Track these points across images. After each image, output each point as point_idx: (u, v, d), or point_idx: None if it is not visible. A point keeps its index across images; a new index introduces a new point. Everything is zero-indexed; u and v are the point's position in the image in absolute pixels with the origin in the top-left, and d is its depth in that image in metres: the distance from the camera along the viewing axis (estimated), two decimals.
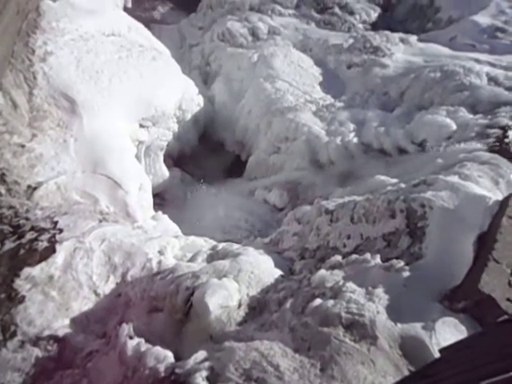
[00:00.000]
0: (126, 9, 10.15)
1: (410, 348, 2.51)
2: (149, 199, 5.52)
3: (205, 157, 8.10)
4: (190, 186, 7.36)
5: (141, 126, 6.35)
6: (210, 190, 7.30)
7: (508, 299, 2.63)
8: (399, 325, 2.65)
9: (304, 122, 7.06)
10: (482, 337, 1.30)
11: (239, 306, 3.39)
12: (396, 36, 9.31)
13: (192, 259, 4.32)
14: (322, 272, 3.40)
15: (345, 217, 4.27)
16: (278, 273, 3.95)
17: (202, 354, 2.72)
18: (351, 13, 11.25)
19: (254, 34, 9.93)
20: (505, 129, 5.53)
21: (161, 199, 6.88)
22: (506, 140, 5.28)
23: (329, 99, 7.82)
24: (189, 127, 7.56)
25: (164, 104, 6.54)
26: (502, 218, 3.17)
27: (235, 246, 4.56)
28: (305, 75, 8.42)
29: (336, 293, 3.07)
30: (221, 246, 4.64)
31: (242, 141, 8.23)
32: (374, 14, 11.24)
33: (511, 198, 3.43)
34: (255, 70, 8.49)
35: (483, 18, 9.62)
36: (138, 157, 6.23)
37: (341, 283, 3.17)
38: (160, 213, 5.66)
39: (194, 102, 7.53)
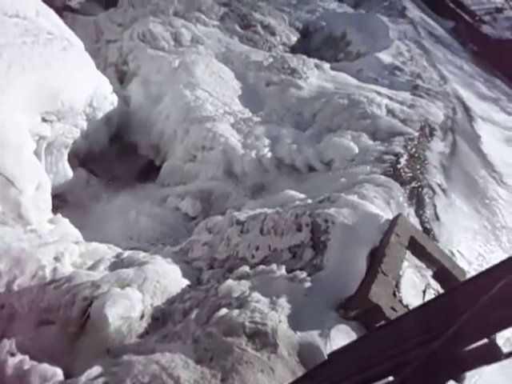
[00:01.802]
0: None
1: (306, 354, 2.65)
2: (47, 200, 5.03)
3: (115, 159, 7.68)
4: (96, 189, 6.90)
5: (43, 119, 5.79)
6: (118, 193, 6.92)
7: (392, 308, 2.94)
8: (298, 333, 2.79)
9: (221, 132, 7.13)
10: (364, 340, 1.44)
11: (142, 316, 3.25)
12: (312, 61, 9.96)
13: (93, 267, 4.04)
14: (230, 282, 3.43)
15: (255, 228, 4.38)
16: (185, 283, 3.88)
17: (96, 370, 2.54)
18: (273, 33, 11.78)
19: (176, 39, 9.81)
20: (398, 156, 6.24)
21: (62, 201, 6.31)
22: (398, 166, 5.96)
23: (247, 113, 8.03)
24: (99, 126, 7.10)
25: (72, 98, 6.07)
26: (391, 235, 3.55)
27: (142, 254, 4.37)
28: (225, 87, 8.54)
29: (242, 303, 3.13)
30: (126, 253, 4.42)
31: (157, 145, 7.99)
32: (294, 38, 11.94)
33: (399, 218, 3.87)
34: (175, 75, 8.36)
35: (385, 56, 10.82)
36: (37, 153, 5.65)
37: (247, 293, 3.24)
38: (59, 216, 5.19)
39: (107, 100, 7.12)
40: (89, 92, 6.64)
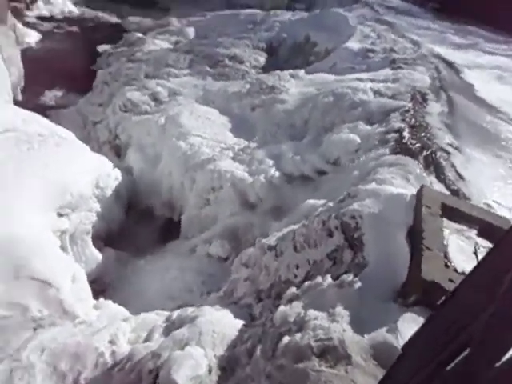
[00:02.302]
0: (17, 102, 9.81)
1: (382, 355, 2.56)
2: (86, 289, 5.12)
3: (135, 228, 7.82)
4: (128, 263, 7.00)
5: (59, 214, 5.98)
6: (148, 260, 6.99)
7: (450, 280, 2.84)
8: (366, 336, 2.71)
9: (225, 169, 7.22)
10: (432, 320, 1.39)
11: (209, 371, 3.20)
12: (286, 73, 10.15)
13: (148, 338, 4.03)
14: (282, 308, 3.38)
15: (288, 248, 4.35)
16: (239, 323, 3.84)
17: None
18: (241, 62, 12.10)
19: (155, 99, 10.15)
20: (400, 131, 6.19)
21: (100, 284, 6.41)
22: (404, 140, 5.90)
23: (242, 142, 8.15)
24: (112, 203, 7.29)
25: (79, 187, 6.28)
26: (421, 208, 3.48)
27: (190, 310, 4.36)
28: (214, 126, 8.73)
29: (300, 325, 3.06)
30: (175, 314, 4.41)
31: (169, 202, 8.13)
32: (262, 58, 12.24)
33: (424, 189, 3.80)
34: (165, 131, 8.60)
35: (353, 44, 10.96)
36: (63, 247, 5.81)
37: (302, 314, 3.17)
38: (102, 299, 5.26)
39: (111, 177, 7.34)
40: (92, 175, 6.87)
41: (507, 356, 0.63)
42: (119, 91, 10.75)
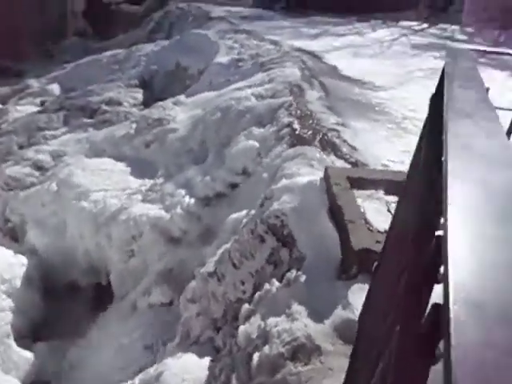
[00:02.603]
0: None
1: (345, 333, 2.67)
2: None
3: (62, 308, 7.06)
4: (66, 349, 6.29)
5: None
6: (89, 336, 6.37)
7: (377, 241, 3.07)
8: (326, 321, 2.80)
9: (139, 214, 6.92)
10: (374, 282, 1.49)
11: None
12: (168, 103, 10.12)
13: None
14: (242, 329, 3.34)
15: (227, 268, 4.31)
16: (206, 361, 3.70)
17: None
18: (119, 104, 11.74)
19: (39, 167, 9.34)
20: (290, 125, 6.56)
21: None
22: (297, 132, 6.26)
23: (148, 182, 7.90)
24: (25, 293, 6.50)
25: None
26: (332, 187, 3.73)
27: (152, 370, 4.09)
28: (113, 175, 8.32)
29: (265, 337, 3.05)
30: (137, 380, 4.10)
31: (91, 267, 7.52)
32: (138, 95, 12.02)
33: (328, 169, 4.08)
34: (61, 197, 7.96)
35: (222, 58, 11.36)
36: None
37: (263, 325, 3.17)
38: None
39: (15, 265, 6.56)
40: None
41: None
42: None
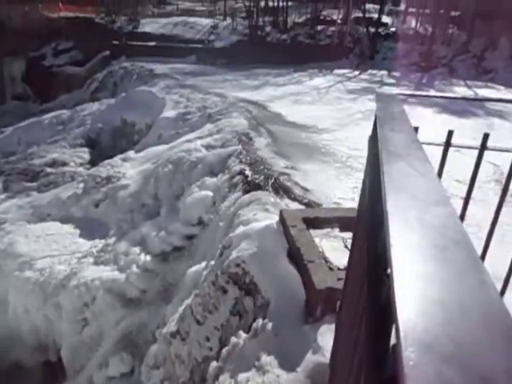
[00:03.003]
0: None
1: (319, 378, 2.57)
2: None
3: None
4: None
5: None
6: None
7: (338, 279, 3.08)
8: (298, 368, 2.69)
9: (91, 278, 6.49)
10: (337, 329, 1.46)
11: None
12: (116, 159, 9.96)
13: None
14: None
15: (191, 325, 4.09)
16: None
17: None
18: (64, 164, 11.39)
19: None
20: (242, 172, 6.65)
21: None
22: (249, 178, 6.35)
23: (99, 242, 7.52)
24: None
25: None
26: (289, 230, 3.75)
27: None
28: (60, 239, 7.85)
29: None
30: None
31: (38, 344, 6.81)
32: (85, 154, 11.76)
33: (283, 212, 4.11)
34: (2, 268, 7.32)
35: (169, 113, 11.54)
36: None
37: (233, 382, 2.98)
38: None
39: None
40: None
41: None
42: None
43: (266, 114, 10.47)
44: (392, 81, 17.22)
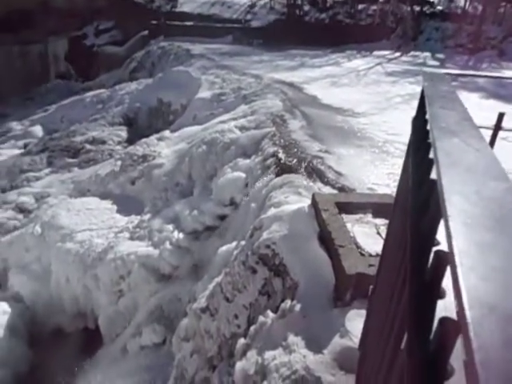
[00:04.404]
0: None
1: (346, 362, 2.58)
2: None
3: (50, 357, 6.72)
4: None
5: None
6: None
7: (369, 265, 3.05)
8: (325, 351, 2.71)
9: (127, 252, 6.77)
10: (371, 306, 1.46)
11: None
12: (152, 138, 10.18)
13: None
14: (239, 365, 3.21)
15: (220, 303, 4.20)
16: None
17: None
18: (103, 142, 11.78)
19: (22, 210, 9.16)
20: (275, 155, 6.63)
21: None
22: (282, 161, 6.33)
23: (135, 219, 7.80)
24: (9, 342, 6.20)
25: None
26: (321, 214, 3.72)
27: None
28: (99, 214, 8.20)
29: (263, 372, 2.94)
30: None
31: (78, 312, 7.24)
32: (123, 133, 12.10)
33: (316, 196, 4.09)
34: (45, 240, 7.77)
35: (205, 93, 11.60)
36: None
37: (260, 360, 3.05)
38: None
39: None
40: None
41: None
42: None
43: (301, 96, 10.30)
44: (436, 63, 16.40)
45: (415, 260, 0.80)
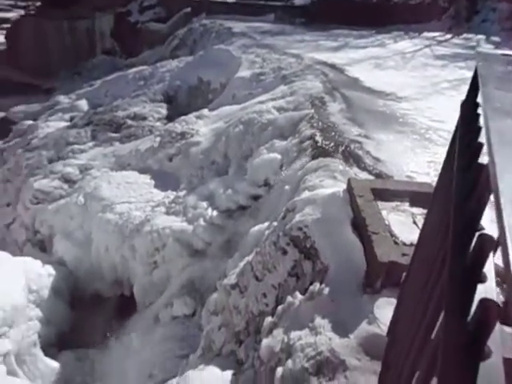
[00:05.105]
0: None
1: (372, 348, 2.59)
2: None
3: (88, 319, 7.19)
4: (91, 358, 6.37)
5: None
6: (113, 346, 6.44)
7: (403, 254, 3.00)
8: (351, 335, 2.73)
9: (162, 226, 7.02)
10: (402, 295, 1.45)
11: None
12: (191, 116, 10.31)
13: None
14: (265, 342, 3.29)
15: (250, 281, 4.29)
16: (228, 374, 3.67)
17: None
18: (144, 118, 12.07)
19: (67, 180, 9.65)
20: (312, 137, 6.55)
21: None
22: (318, 144, 6.25)
23: (171, 194, 8.03)
24: (52, 303, 6.66)
25: (10, 299, 5.65)
26: (355, 199, 3.68)
27: (174, 382, 4.08)
28: (137, 187, 8.50)
29: (288, 351, 3.00)
30: None
31: (115, 279, 7.64)
32: (163, 110, 12.32)
33: (352, 181, 4.03)
34: (88, 209, 8.17)
35: (244, 72, 11.53)
36: (11, 371, 5.12)
37: (286, 339, 3.12)
38: None
39: (43, 275, 6.74)
40: (22, 281, 6.24)
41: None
42: (25, 184, 10.05)
43: (342, 78, 10.02)
44: (490, 47, 15.34)
45: (457, 243, 0.79)
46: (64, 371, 5.99)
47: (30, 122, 15.47)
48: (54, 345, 6.55)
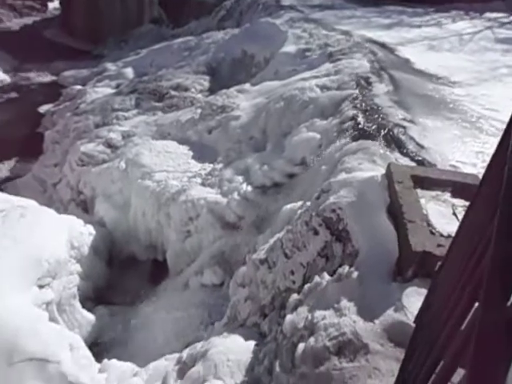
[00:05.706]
0: None
1: (396, 335, 2.57)
2: (87, 355, 4.89)
3: (123, 278, 7.59)
4: (124, 315, 6.76)
5: (40, 286, 5.73)
6: (144, 306, 6.79)
7: (438, 245, 2.91)
8: (376, 321, 2.72)
9: (197, 196, 7.17)
10: (434, 286, 1.42)
11: None
12: (232, 90, 10.28)
13: None
14: (289, 317, 3.35)
15: (279, 257, 4.34)
16: (251, 344, 3.78)
17: None
18: (186, 89, 12.17)
19: (110, 145, 10.01)
20: (354, 118, 6.37)
21: (101, 345, 6.16)
22: (360, 126, 6.08)
23: (208, 166, 8.15)
24: (91, 260, 7.08)
25: (54, 253, 6.05)
26: (394, 185, 3.58)
27: (199, 345, 4.27)
28: (176, 157, 8.69)
29: (311, 328, 3.05)
30: (185, 354, 4.30)
31: (150, 244, 7.97)
32: (205, 82, 12.36)
33: (391, 166, 3.91)
34: (128, 175, 8.48)
35: (290, 48, 11.27)
36: (52, 319, 5.55)
37: (310, 317, 3.16)
38: (106, 361, 5.05)
39: (85, 234, 7.14)
40: (64, 237, 6.65)
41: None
42: (72, 147, 10.53)
43: (391, 58, 9.57)
44: None
45: (500, 238, 0.76)
46: (99, 324, 6.41)
47: (79, 87, 16.03)
48: (90, 299, 7.00)
